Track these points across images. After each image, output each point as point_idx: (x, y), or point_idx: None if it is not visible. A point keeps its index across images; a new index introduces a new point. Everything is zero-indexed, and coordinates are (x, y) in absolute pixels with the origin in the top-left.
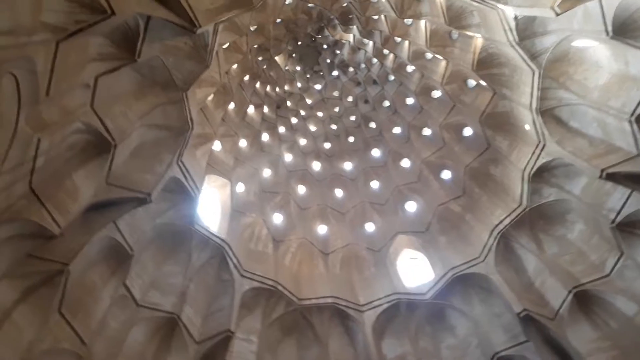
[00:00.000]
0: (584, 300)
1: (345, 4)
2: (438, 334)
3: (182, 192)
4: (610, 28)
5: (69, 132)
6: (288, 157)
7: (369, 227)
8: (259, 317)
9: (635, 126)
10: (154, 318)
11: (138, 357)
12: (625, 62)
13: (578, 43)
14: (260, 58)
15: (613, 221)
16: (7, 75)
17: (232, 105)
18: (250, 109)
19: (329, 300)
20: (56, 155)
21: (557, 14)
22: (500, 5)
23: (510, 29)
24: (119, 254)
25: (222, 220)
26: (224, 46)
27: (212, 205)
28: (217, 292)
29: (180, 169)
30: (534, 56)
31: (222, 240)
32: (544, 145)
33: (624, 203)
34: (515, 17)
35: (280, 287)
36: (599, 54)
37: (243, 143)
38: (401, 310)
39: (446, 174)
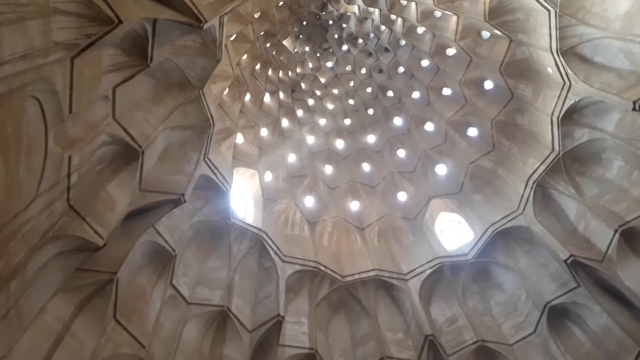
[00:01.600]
0: (632, 238)
1: None
2: (486, 291)
3: (213, 188)
4: None
5: (96, 146)
6: (310, 140)
7: (401, 196)
8: (306, 298)
9: None
10: (205, 313)
11: (195, 352)
12: None
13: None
14: (268, 44)
15: None
16: (30, 99)
17: (248, 96)
18: (267, 97)
19: (372, 273)
20: (88, 169)
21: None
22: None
23: (556, 38)
24: (162, 256)
25: (255, 210)
26: (232, 38)
27: (244, 197)
28: (262, 280)
29: (208, 165)
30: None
31: (259, 229)
32: (569, 86)
33: None
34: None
35: (322, 267)
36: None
37: (264, 132)
38: (445, 274)
39: (472, 132)
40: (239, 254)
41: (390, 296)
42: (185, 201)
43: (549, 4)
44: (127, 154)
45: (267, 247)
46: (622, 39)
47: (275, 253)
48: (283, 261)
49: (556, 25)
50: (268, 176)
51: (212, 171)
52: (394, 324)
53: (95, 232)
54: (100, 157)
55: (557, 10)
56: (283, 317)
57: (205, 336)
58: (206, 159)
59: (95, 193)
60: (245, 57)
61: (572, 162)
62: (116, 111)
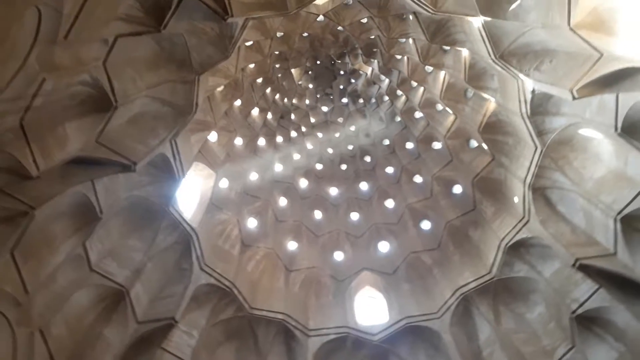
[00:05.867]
0: None
1: (373, 37)
2: None
3: (166, 171)
4: (620, 125)
5: (75, 82)
6: (278, 167)
7: (338, 255)
8: (206, 314)
9: (618, 225)
10: (103, 286)
11: (76, 320)
12: (625, 162)
13: (585, 132)
14: (277, 65)
15: (574, 312)
16: (32, 9)
17: (238, 102)
18: (255, 111)
19: (280, 316)
20: (56, 100)
21: (574, 98)
22: (522, 76)
23: (526, 101)
24: (87, 213)
25: (197, 210)
26: (247, 43)
27: (191, 192)
28: (173, 278)
29: (172, 147)
30: (540, 133)
31: (192, 228)
32: (527, 221)
33: (589, 297)
34: (533, 91)
35: (235, 291)
36: (602, 147)
37: (239, 141)
38: (347, 345)
39: (426, 225)
40: (161, 244)
41: (287, 345)
42: (134, 171)
43: (539, 141)
44: (100, 103)
45: (192, 249)
46: (588, 200)
47: (197, 258)
48: (201, 269)
49: (538, 162)
50: (224, 183)
51: (173, 154)
52: None
53: (34, 161)
54: (73, 95)
55: (544, 150)
56: (177, 322)
57: (93, 308)
58: (172, 141)
59: (52, 125)
60: (252, 66)
61: (502, 291)
62: (109, 58)
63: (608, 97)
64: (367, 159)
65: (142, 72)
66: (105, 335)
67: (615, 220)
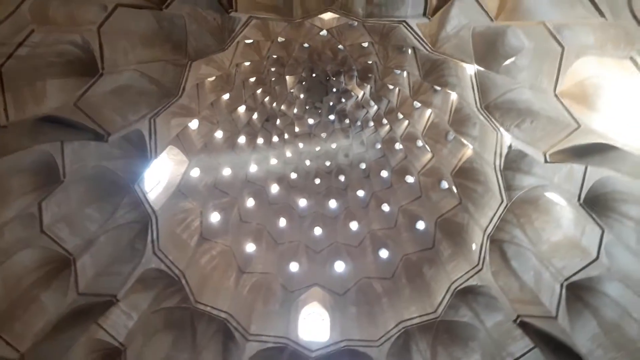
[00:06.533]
0: None
1: (370, 62)
2: None
3: (140, 149)
4: (583, 195)
5: (64, 40)
6: (253, 168)
7: (294, 266)
8: (149, 298)
9: (564, 291)
10: (49, 250)
11: (14, 278)
12: (582, 231)
13: (551, 195)
14: (273, 69)
15: None
16: None
17: (226, 96)
18: (242, 109)
19: (223, 315)
20: (42, 53)
21: (546, 161)
22: (502, 130)
23: (501, 155)
24: (50, 174)
25: (162, 194)
26: (247, 41)
27: (160, 175)
28: (124, 256)
29: (150, 127)
30: (509, 188)
31: (153, 210)
32: (480, 270)
33: (523, 354)
34: (510, 147)
35: (183, 281)
36: (563, 213)
37: (219, 134)
38: (283, 356)
39: (384, 253)
40: (119, 219)
41: (225, 345)
42: (107, 141)
43: (506, 196)
44: (87, 67)
45: (149, 230)
46: (541, 261)
47: (152, 241)
48: (154, 252)
49: (501, 215)
50: (195, 172)
51: (150, 133)
52: None
53: (5, 109)
54: (60, 53)
55: (509, 205)
56: (118, 301)
57: (35, 271)
58: (152, 120)
59: (32, 79)
60: (247, 64)
61: (443, 332)
62: (105, 25)
63: (577, 167)
64: (342, 178)
65: (135, 46)
66: (42, 300)
67: (562, 285)
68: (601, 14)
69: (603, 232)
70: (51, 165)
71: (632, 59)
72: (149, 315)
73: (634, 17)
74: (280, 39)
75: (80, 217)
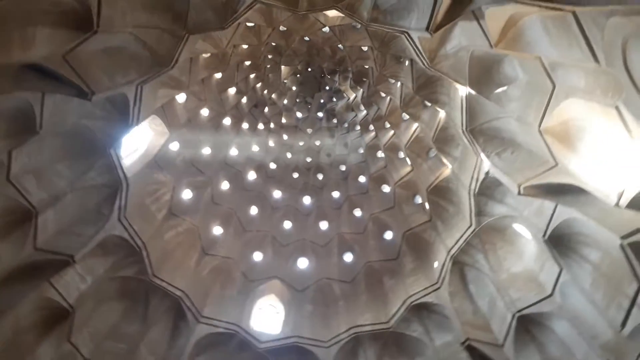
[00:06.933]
0: None
1: (367, 66)
2: None
3: (122, 113)
4: (549, 232)
5: None
6: (233, 152)
7: (258, 256)
8: (107, 265)
9: (515, 322)
10: (13, 200)
11: None
12: (542, 267)
13: (518, 227)
14: (270, 56)
15: None
16: None
17: (218, 75)
18: (232, 90)
19: (179, 293)
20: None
21: (519, 194)
22: (483, 155)
23: (477, 180)
24: (26, 123)
25: (137, 161)
26: (248, 24)
27: (139, 143)
28: (88, 218)
29: (136, 93)
30: (479, 213)
31: (126, 177)
32: (438, 288)
33: None
34: (487, 173)
35: (144, 253)
36: (527, 247)
37: (205, 112)
38: (232, 343)
39: (348, 257)
40: (90, 181)
41: (175, 324)
42: (90, 100)
43: (475, 220)
44: (82, 22)
45: (118, 196)
46: (497, 289)
47: (120, 208)
48: (119, 219)
49: (467, 238)
50: (174, 146)
51: (135, 100)
52: (155, 347)
53: None
54: (56, 2)
55: (477, 230)
56: (74, 262)
57: None
58: (139, 86)
59: (23, 24)
60: (245, 47)
61: (392, 343)
62: None
63: (548, 204)
64: (320, 176)
65: (135, 9)
66: None
67: (513, 316)
68: (596, 59)
69: (561, 270)
70: (29, 114)
71: (617, 108)
72: (103, 282)
73: (626, 68)
74: (282, 28)
75: (50, 171)
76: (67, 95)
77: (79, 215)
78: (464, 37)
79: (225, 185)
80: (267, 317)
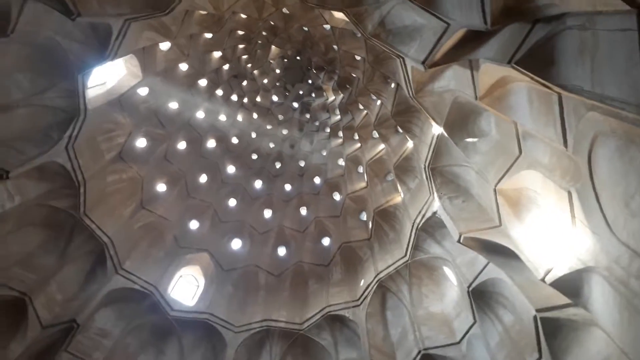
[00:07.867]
0: None
1: (354, 75)
2: (157, 346)
3: (102, 43)
4: (473, 285)
5: None
6: (200, 115)
7: (194, 224)
8: (40, 190)
9: (418, 358)
10: None
11: None
12: (457, 314)
13: (447, 271)
14: (264, 33)
15: None
16: None
17: (209, 35)
18: (217, 54)
19: (105, 239)
20: None
21: (459, 241)
22: (436, 195)
23: (424, 216)
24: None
25: (101, 96)
26: None
27: (108, 78)
28: (34, 138)
29: (122, 27)
30: (416, 247)
31: (85, 109)
32: (357, 305)
33: None
34: (434, 213)
35: (82, 190)
36: (450, 292)
37: (184, 67)
38: (144, 303)
39: (282, 251)
40: (46, 100)
41: (92, 267)
42: (73, 20)
43: (410, 252)
44: None
45: (72, 125)
46: (412, 323)
47: (70, 137)
48: (65, 148)
49: (397, 267)
50: (143, 91)
51: (119, 33)
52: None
53: None
54: None
55: (408, 262)
56: (7, 178)
57: None
58: (127, 22)
59: None
60: (243, 17)
61: (300, 345)
62: None
63: (481, 259)
64: (278, 165)
65: None
66: None
67: (419, 352)
68: (565, 143)
69: (474, 323)
70: (4, 16)
71: (569, 193)
72: (31, 206)
73: (589, 160)
74: (285, 10)
75: (8, 79)
76: (50, 8)
77: (25, 133)
78: (454, 80)
79: (182, 145)
80: (186, 288)
